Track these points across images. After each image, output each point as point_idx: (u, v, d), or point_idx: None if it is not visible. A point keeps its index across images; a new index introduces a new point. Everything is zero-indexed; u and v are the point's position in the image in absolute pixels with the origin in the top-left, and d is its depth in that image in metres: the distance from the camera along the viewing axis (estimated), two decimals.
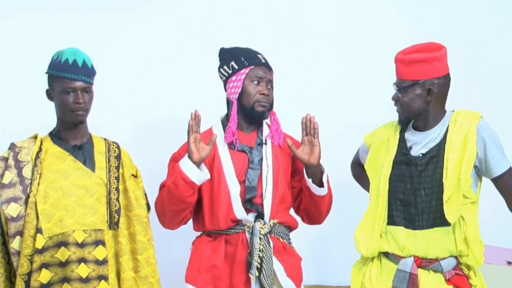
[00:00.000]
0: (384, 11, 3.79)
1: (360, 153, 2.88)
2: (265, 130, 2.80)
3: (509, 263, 3.19)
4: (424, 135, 2.57)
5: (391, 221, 2.56)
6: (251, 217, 2.70)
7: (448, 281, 2.51)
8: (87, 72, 2.53)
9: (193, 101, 3.09)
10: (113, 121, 3.46)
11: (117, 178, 2.60)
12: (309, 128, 2.67)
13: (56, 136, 2.61)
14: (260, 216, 2.70)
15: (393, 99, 2.58)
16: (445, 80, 2.53)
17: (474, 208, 2.53)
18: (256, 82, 2.73)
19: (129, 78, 3.60)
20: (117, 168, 2.63)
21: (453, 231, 2.49)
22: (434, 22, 3.77)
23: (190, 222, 2.83)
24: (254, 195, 2.70)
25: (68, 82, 2.50)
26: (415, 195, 2.52)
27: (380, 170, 2.62)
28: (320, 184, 2.70)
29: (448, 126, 2.54)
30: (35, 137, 2.60)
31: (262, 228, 2.67)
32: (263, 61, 2.76)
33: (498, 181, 2.53)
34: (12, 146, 2.55)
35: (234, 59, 2.76)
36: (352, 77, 3.78)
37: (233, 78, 2.74)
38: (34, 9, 3.52)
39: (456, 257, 2.52)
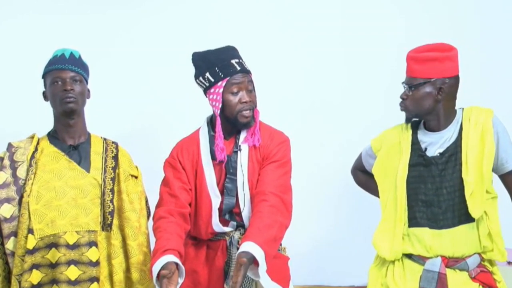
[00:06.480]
0: (383, 12, 3.73)
1: (363, 158, 2.82)
2: (242, 135, 2.67)
3: (509, 263, 3.17)
4: (439, 135, 2.55)
5: (415, 222, 2.53)
6: (231, 226, 2.66)
7: (474, 278, 2.50)
8: (74, 62, 2.57)
9: (193, 100, 3.07)
10: (112, 120, 3.44)
11: (113, 179, 2.58)
12: None
13: (53, 136, 2.61)
14: (240, 225, 2.65)
15: (401, 97, 2.55)
16: (455, 81, 2.53)
17: (494, 203, 2.54)
18: (235, 91, 2.58)
19: (130, 78, 3.60)
20: (114, 168, 2.61)
21: (477, 227, 2.50)
22: (434, 23, 3.70)
23: None
24: (232, 205, 2.64)
25: (56, 72, 2.55)
26: (437, 194, 2.51)
27: (393, 173, 2.60)
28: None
29: (461, 123, 2.54)
30: (33, 137, 2.61)
31: (240, 238, 2.60)
32: (238, 68, 2.59)
33: (508, 177, 2.53)
34: (9, 146, 2.57)
35: (208, 69, 2.61)
36: (353, 79, 3.71)
37: (212, 90, 2.62)
38: (34, 10, 3.55)
39: (479, 254, 2.53)
